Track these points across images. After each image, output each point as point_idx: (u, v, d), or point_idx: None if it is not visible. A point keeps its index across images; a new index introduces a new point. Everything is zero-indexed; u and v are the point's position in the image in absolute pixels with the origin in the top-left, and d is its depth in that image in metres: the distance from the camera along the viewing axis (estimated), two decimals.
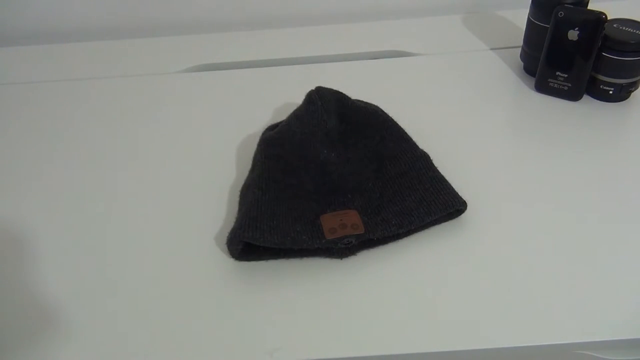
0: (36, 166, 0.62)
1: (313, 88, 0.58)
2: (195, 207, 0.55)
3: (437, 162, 0.55)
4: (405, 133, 0.57)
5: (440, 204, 0.50)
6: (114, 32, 0.89)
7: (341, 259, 0.49)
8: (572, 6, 0.61)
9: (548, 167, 0.57)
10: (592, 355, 0.44)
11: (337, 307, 0.45)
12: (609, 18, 0.61)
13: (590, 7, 0.63)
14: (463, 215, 0.51)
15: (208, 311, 0.45)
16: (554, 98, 0.66)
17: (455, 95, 0.68)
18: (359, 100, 0.60)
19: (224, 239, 0.50)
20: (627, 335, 0.42)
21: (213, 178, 0.58)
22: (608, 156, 0.58)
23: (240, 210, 0.51)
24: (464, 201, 0.50)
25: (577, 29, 0.60)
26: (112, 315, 0.46)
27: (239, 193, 0.54)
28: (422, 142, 0.57)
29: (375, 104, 0.60)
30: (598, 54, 0.62)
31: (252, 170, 0.55)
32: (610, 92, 0.64)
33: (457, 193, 0.51)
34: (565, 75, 0.64)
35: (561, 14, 0.61)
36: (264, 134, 0.59)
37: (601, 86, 0.64)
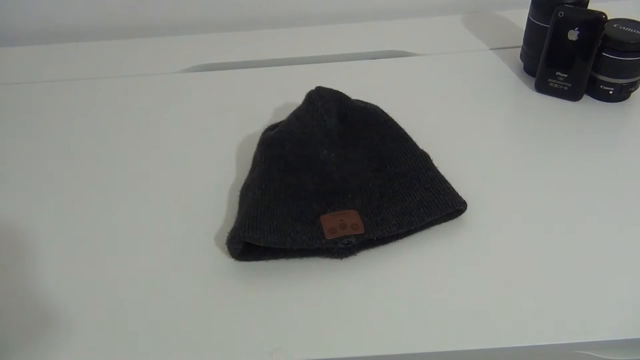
0: (36, 166, 0.62)
1: (313, 88, 0.58)
2: (195, 207, 0.55)
3: (437, 162, 0.55)
4: (405, 133, 0.57)
5: (440, 204, 0.50)
6: (114, 32, 0.89)
7: (341, 259, 0.49)
8: (572, 6, 0.61)
9: (548, 167, 0.57)
10: (592, 355, 0.44)
11: (337, 307, 0.45)
12: (609, 18, 0.61)
13: (590, 7, 0.63)
14: (463, 215, 0.51)
15: (208, 311, 0.45)
16: (554, 98, 0.66)
17: (455, 95, 0.68)
18: (359, 100, 0.60)
19: (224, 239, 0.50)
20: (627, 335, 0.42)
21: (213, 178, 0.58)
22: (608, 156, 0.58)
23: (240, 210, 0.51)
24: (464, 201, 0.50)
25: (577, 29, 0.60)
26: (112, 315, 0.46)
27: (239, 193, 0.54)
28: (422, 142, 0.57)
29: (375, 104, 0.60)
30: (598, 54, 0.62)
31: (252, 171, 0.55)
32: (610, 92, 0.64)
33: (457, 193, 0.51)
34: (565, 75, 0.64)
35: (561, 14, 0.61)
36: (264, 134, 0.59)
37: (601, 86, 0.64)
